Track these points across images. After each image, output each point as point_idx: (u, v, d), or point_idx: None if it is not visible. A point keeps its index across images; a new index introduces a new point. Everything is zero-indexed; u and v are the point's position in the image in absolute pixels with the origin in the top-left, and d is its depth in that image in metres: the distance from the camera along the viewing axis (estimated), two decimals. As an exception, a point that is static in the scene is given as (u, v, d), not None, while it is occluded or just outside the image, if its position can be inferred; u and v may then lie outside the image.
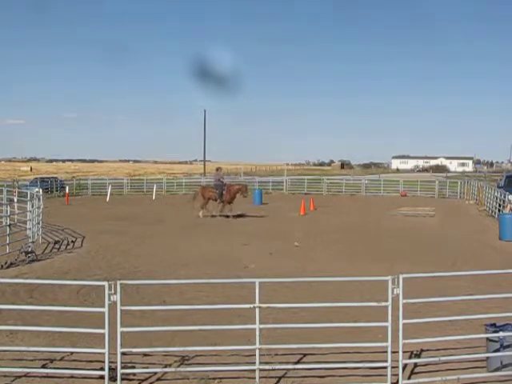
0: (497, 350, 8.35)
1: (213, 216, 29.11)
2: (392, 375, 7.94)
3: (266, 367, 8.16)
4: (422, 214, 31.95)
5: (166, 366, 8.56)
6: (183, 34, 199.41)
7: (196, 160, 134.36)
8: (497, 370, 8.29)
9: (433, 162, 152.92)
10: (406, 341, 8.06)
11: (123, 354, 8.05)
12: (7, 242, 18.54)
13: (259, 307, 8.01)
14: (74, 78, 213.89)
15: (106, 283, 7.82)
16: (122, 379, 7.95)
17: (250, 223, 27.41)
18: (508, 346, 8.27)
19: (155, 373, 8.45)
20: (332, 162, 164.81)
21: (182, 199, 45.10)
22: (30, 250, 17.87)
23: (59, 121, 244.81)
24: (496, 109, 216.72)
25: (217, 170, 33.61)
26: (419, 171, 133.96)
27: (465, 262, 17.46)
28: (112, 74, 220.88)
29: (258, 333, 7.98)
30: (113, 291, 7.74)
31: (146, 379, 8.33)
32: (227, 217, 29.04)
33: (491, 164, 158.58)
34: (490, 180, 54.74)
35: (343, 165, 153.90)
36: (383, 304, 7.99)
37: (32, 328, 9.65)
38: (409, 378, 8.31)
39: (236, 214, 29.63)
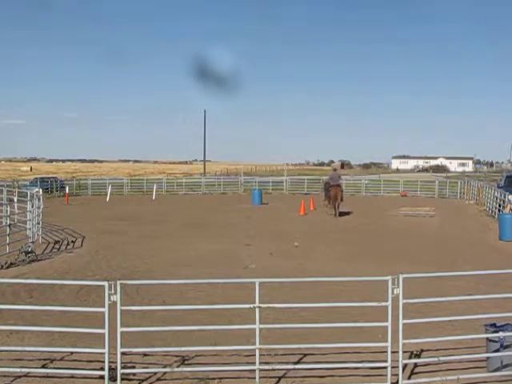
0: (497, 350, 8.34)
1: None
2: (392, 375, 7.94)
3: (266, 367, 8.16)
4: (422, 214, 31.94)
5: (165, 366, 8.55)
6: (183, 34, 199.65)
7: (196, 160, 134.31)
8: (497, 370, 8.29)
9: (433, 162, 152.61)
10: (406, 341, 8.05)
11: (123, 353, 8.04)
12: (7, 242, 18.54)
13: (259, 307, 8.01)
14: (74, 78, 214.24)
15: (105, 283, 7.82)
16: (122, 379, 7.95)
17: (250, 223, 27.37)
18: (508, 346, 8.26)
19: (155, 373, 8.44)
20: (332, 162, 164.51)
21: (182, 199, 45.22)
22: (30, 249, 17.87)
23: (59, 121, 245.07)
24: (496, 109, 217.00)
25: (335, 170, 33.51)
26: (419, 171, 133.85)
27: (465, 262, 17.45)
28: (112, 74, 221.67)
29: (257, 333, 7.97)
30: (113, 291, 7.74)
31: (146, 379, 8.32)
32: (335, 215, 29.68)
33: (491, 164, 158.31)
34: (489, 180, 54.69)
35: (343, 165, 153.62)
36: (383, 304, 7.98)
37: (32, 328, 9.65)
38: (409, 378, 8.31)
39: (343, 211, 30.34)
